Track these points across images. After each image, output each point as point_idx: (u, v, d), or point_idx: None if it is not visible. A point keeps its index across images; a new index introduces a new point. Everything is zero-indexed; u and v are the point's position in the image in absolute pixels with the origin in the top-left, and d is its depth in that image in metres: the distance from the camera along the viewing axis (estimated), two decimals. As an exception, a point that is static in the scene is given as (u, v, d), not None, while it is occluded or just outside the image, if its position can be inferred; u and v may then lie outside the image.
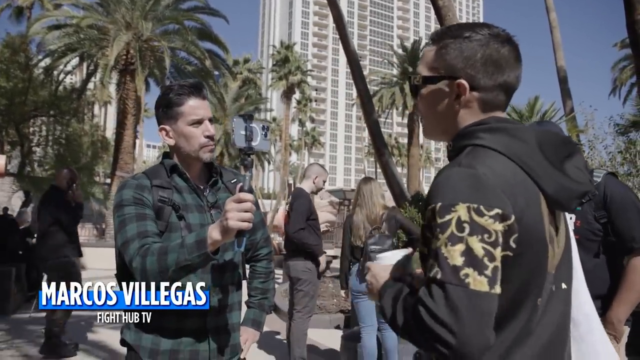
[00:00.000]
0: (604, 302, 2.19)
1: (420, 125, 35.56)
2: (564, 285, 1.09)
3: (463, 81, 1.06)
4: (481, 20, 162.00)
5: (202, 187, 1.81)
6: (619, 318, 2.14)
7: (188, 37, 17.20)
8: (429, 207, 0.96)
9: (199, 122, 1.74)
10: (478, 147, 1.03)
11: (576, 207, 1.10)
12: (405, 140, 41.58)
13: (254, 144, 1.55)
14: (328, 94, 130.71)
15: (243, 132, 1.54)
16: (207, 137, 1.74)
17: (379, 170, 15.12)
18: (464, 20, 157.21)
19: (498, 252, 0.91)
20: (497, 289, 0.90)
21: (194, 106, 1.73)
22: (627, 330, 2.20)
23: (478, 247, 0.89)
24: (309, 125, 66.93)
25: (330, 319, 6.84)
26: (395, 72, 37.19)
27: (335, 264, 14.28)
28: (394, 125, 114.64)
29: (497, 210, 0.92)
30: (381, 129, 13.15)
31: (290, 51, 44.88)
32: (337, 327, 6.71)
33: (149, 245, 1.53)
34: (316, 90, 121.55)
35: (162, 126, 1.77)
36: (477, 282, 0.88)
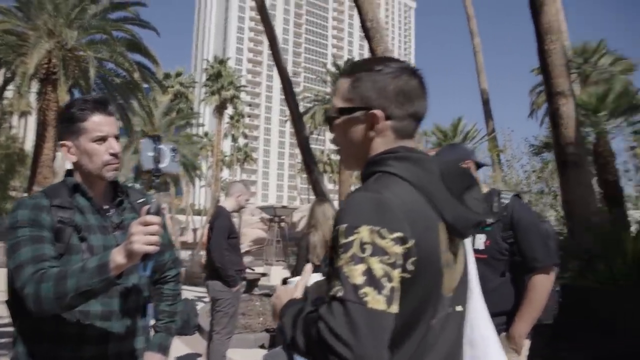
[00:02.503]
0: (509, 318, 2.29)
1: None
2: (459, 308, 1.14)
3: (377, 111, 1.11)
4: (412, 44, 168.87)
5: (106, 207, 1.73)
6: (521, 333, 2.24)
7: (116, 48, 16.62)
8: (335, 228, 0.99)
9: (102, 139, 1.67)
10: (386, 173, 1.08)
11: (470, 234, 1.17)
12: (338, 157, 42.13)
13: (161, 165, 1.53)
14: (262, 109, 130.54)
15: (151, 154, 1.52)
16: (112, 154, 1.68)
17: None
18: (396, 41, 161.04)
19: (396, 274, 0.95)
20: (394, 309, 0.94)
21: (98, 122, 1.66)
22: (527, 343, 2.31)
23: (378, 267, 0.93)
24: (241, 140, 66.34)
25: (255, 338, 6.73)
26: (328, 89, 37.74)
27: (264, 281, 14.15)
28: (327, 142, 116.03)
29: (397, 234, 0.96)
30: (311, 146, 13.26)
31: (223, 66, 44.52)
32: (262, 347, 6.61)
33: (45, 270, 1.44)
34: (250, 105, 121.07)
35: (62, 142, 1.69)
36: (375, 300, 0.91)
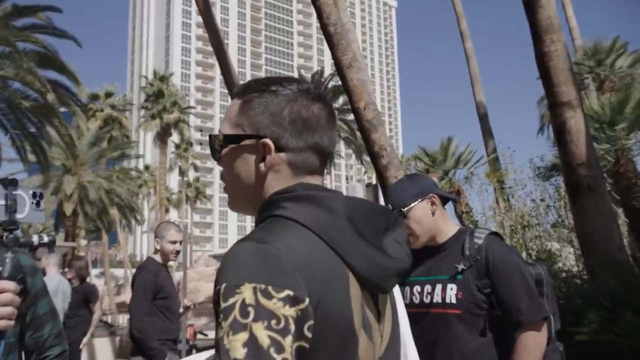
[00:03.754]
0: None
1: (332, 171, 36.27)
2: None
3: (267, 140, 1.13)
4: (395, 49, 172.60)
5: None
6: None
7: (23, 63, 16.42)
8: (215, 290, 0.97)
9: None
10: (278, 218, 1.08)
11: (393, 287, 1.15)
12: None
13: (19, 216, 1.53)
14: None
15: (1, 202, 1.52)
16: None
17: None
18: (375, 46, 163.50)
19: (288, 342, 0.92)
20: None
21: None
22: None
23: (263, 335, 0.90)
24: (191, 174, 66.21)
25: None
26: (295, 108, 38.02)
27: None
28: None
29: (287, 292, 0.94)
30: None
31: (165, 83, 44.66)
32: None
33: None
34: (201, 131, 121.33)
35: None
36: None
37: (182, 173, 59.42)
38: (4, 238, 1.52)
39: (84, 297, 7.58)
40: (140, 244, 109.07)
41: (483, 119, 17.14)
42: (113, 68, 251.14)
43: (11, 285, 1.42)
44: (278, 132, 1.13)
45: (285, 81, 1.18)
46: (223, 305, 0.93)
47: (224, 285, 0.95)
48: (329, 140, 1.18)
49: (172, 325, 4.68)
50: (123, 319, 24.40)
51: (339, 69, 8.17)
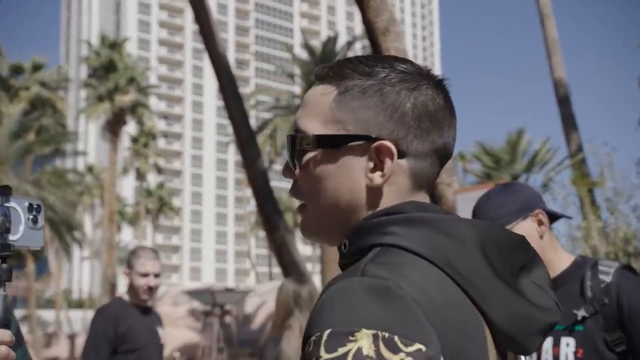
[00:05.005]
0: None
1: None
2: None
3: (387, 143, 1.12)
4: (435, 16, 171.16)
5: None
6: None
7: None
8: (311, 338, 0.97)
9: None
10: (390, 247, 1.08)
11: (536, 347, 1.14)
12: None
13: (12, 238, 1.47)
14: (187, 125, 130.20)
15: None
16: None
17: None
18: (408, 12, 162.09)
19: None
20: None
21: None
22: None
23: None
24: (153, 179, 66.32)
25: None
26: (297, 89, 38.15)
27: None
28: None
29: (418, 346, 0.93)
30: (273, 185, 13.27)
31: (117, 52, 44.73)
32: None
33: None
34: (166, 118, 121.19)
35: None
36: None
37: (140, 177, 59.31)
38: None
39: None
40: (79, 275, 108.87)
41: (564, 102, 16.84)
42: (42, 30, 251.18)
43: (6, 335, 1.40)
44: (399, 132, 1.13)
45: (397, 61, 1.18)
46: (327, 356, 0.93)
47: (327, 331, 0.94)
48: (453, 139, 1.20)
49: None
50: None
51: (372, 35, 8.23)
